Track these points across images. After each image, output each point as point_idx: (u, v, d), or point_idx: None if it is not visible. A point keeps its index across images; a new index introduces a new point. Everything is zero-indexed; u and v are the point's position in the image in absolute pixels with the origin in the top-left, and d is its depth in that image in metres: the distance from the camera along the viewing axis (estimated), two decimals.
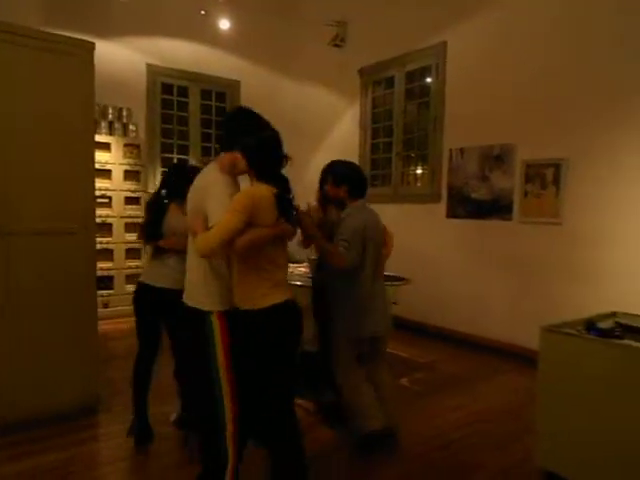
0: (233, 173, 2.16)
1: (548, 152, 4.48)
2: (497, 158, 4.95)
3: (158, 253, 2.78)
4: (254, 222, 1.98)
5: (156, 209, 2.80)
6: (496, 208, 4.94)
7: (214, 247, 1.95)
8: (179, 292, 2.25)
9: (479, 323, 5.04)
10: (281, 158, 2.12)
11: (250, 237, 1.96)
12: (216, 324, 2.09)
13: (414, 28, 5.75)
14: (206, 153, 7.02)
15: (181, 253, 2.42)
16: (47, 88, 3.04)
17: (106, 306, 5.67)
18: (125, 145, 5.94)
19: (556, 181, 4.46)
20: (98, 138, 5.46)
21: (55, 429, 2.97)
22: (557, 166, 4.44)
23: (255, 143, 2.08)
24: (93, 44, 3.20)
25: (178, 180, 2.70)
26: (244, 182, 2.20)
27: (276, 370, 2.11)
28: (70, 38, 3.17)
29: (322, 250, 2.71)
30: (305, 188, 7.19)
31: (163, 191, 2.82)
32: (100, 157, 5.57)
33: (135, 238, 5.75)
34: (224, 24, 6.42)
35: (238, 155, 2.11)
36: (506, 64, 4.84)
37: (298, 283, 3.78)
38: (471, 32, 5.19)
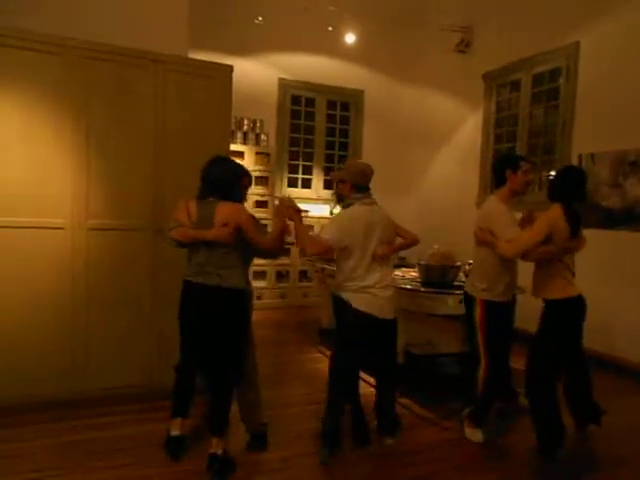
0: (511, 201, 3.07)
1: None
2: (632, 164, 4.59)
3: None
4: (552, 237, 2.77)
5: None
6: (629, 218, 4.59)
7: (520, 251, 2.79)
8: None
9: (604, 340, 4.70)
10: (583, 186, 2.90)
11: (541, 250, 2.79)
12: (477, 309, 3.02)
13: (543, 29, 5.54)
14: (329, 160, 7.40)
15: None
16: (192, 106, 3.54)
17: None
18: (257, 153, 6.52)
19: None
20: (233, 147, 6.07)
21: None
22: None
23: (565, 179, 2.92)
24: (231, 67, 3.65)
25: None
26: None
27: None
28: (213, 63, 3.66)
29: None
30: (424, 191, 7.27)
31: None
32: None
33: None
34: (350, 38, 6.73)
35: (514, 187, 3.03)
36: None
37: (408, 287, 3.91)
38: (606, 31, 4.88)
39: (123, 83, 3.35)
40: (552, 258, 2.83)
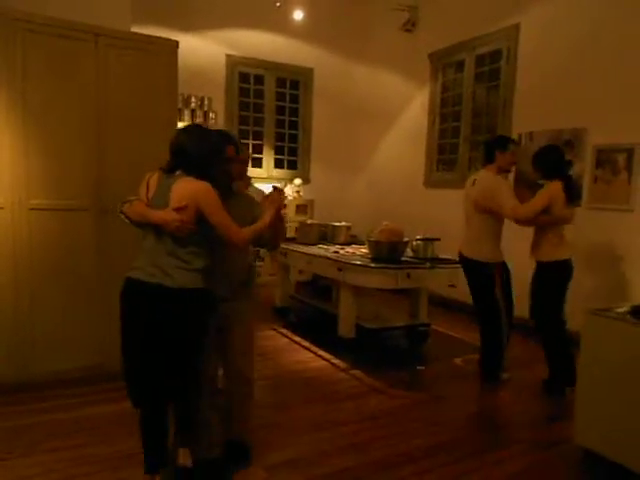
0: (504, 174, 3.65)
1: (621, 137, 4.35)
2: (567, 143, 4.85)
3: None
4: (549, 209, 3.36)
5: None
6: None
7: (530, 216, 3.39)
8: None
9: None
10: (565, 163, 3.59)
11: (542, 218, 3.40)
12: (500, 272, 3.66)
13: (485, 10, 5.69)
14: (280, 139, 7.38)
15: None
16: (137, 82, 3.44)
17: None
18: None
19: (628, 167, 4.33)
20: (181, 125, 5.95)
21: None
22: (630, 151, 4.31)
23: (549, 157, 3.50)
24: (177, 42, 3.57)
25: None
26: None
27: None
28: (157, 38, 3.57)
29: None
30: (374, 170, 7.40)
31: None
32: None
33: None
34: (298, 14, 6.66)
35: (502, 165, 3.58)
36: (580, 47, 4.71)
37: (358, 263, 4.01)
38: (546, 14, 5.08)
39: (63, 57, 3.20)
40: (549, 225, 3.41)
